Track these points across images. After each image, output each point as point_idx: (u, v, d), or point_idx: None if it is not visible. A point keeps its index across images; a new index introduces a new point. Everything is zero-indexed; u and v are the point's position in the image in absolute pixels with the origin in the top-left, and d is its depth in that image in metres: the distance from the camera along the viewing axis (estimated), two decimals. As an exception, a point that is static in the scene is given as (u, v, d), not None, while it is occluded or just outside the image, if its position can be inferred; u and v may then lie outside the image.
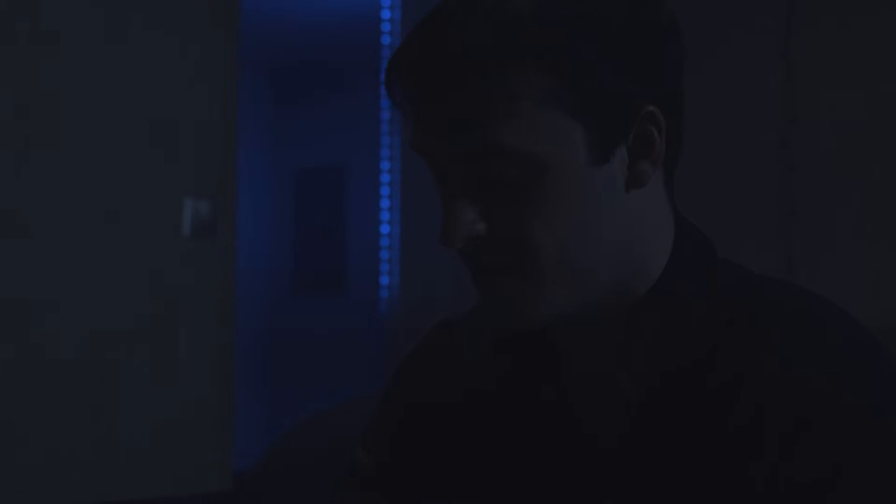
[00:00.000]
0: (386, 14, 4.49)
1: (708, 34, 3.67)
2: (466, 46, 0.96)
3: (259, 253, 6.39)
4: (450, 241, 1.00)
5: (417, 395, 1.19)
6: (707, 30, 3.67)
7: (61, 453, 3.04)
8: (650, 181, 1.03)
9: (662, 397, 1.02)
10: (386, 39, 4.49)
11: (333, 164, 6.30)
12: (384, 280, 4.47)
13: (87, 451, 3.09)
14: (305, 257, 6.45)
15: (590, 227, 1.00)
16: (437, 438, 1.15)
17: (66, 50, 3.09)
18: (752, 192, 3.65)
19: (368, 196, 5.62)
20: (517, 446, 1.10)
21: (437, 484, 1.14)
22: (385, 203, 4.47)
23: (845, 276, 3.39)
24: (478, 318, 1.19)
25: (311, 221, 6.41)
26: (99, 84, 3.14)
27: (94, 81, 3.13)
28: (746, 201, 3.66)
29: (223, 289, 3.34)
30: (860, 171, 3.39)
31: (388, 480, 1.19)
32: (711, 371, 1.00)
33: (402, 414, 1.19)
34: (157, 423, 3.20)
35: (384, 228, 4.48)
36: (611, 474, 1.04)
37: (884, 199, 3.34)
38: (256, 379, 6.32)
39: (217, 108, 3.34)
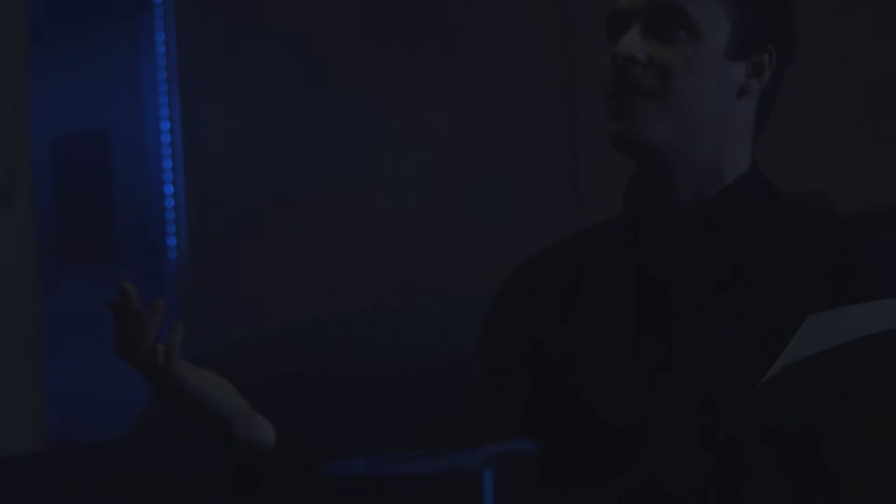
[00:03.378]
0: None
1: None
2: None
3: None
4: (625, 52, 1.42)
5: (519, 302, 1.54)
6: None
7: None
8: (752, 96, 1.48)
9: (739, 263, 1.44)
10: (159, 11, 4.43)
11: (95, 130, 6.18)
12: (171, 241, 4.45)
13: None
14: (71, 225, 6.31)
15: (709, 93, 1.45)
16: (546, 330, 1.51)
17: None
18: (537, 138, 3.80)
19: (134, 160, 5.56)
20: (617, 329, 1.46)
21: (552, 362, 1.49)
22: (168, 164, 4.44)
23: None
24: (563, 247, 1.58)
25: (75, 188, 6.28)
26: None
27: None
28: (531, 146, 3.81)
29: (25, 254, 3.29)
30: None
31: (505, 376, 1.51)
32: (777, 245, 1.45)
33: (509, 321, 1.54)
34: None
35: (168, 189, 4.45)
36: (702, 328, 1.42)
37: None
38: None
39: None
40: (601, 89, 1.47)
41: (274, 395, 1.64)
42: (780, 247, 1.44)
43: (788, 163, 2.71)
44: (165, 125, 4.47)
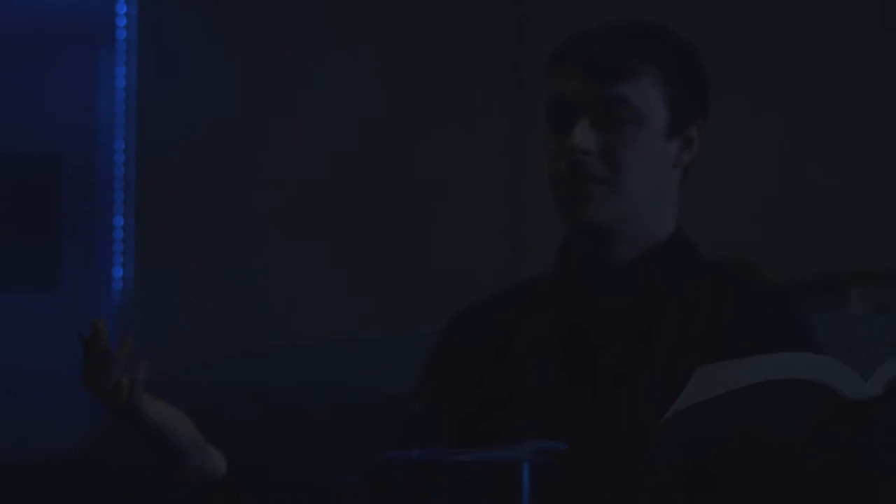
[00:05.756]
0: (122, 8, 4.52)
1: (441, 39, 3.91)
2: (624, 46, 1.62)
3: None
4: (580, 145, 1.56)
5: (459, 347, 1.67)
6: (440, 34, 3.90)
7: None
8: (683, 168, 1.65)
9: (667, 315, 1.58)
10: (121, 34, 4.51)
11: (46, 155, 6.19)
12: (118, 272, 4.50)
13: None
14: (12, 250, 6.31)
15: (652, 172, 1.61)
16: (481, 374, 1.63)
17: None
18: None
19: (86, 188, 5.59)
20: (549, 372, 1.57)
21: (484, 407, 1.60)
22: (119, 196, 4.50)
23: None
24: (501, 298, 1.71)
25: (20, 213, 6.28)
26: None
27: None
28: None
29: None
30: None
31: (442, 415, 1.61)
32: (698, 302, 1.59)
33: (449, 365, 1.66)
34: None
35: (118, 220, 4.51)
36: (626, 372, 1.55)
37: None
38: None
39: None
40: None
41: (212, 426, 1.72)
42: (700, 305, 1.57)
43: (722, 231, 2.83)
44: (119, 157, 4.53)
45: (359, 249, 4.05)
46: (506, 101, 3.89)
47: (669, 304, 1.58)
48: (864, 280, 3.10)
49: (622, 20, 1.68)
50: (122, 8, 4.53)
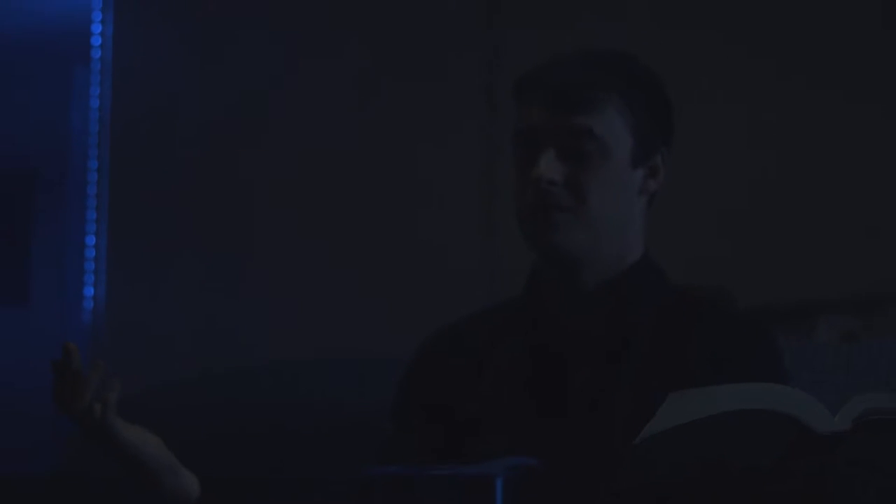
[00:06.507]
0: (97, 28, 4.53)
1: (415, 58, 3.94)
2: (588, 76, 1.64)
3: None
4: (546, 176, 1.58)
5: (432, 369, 1.70)
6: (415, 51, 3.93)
7: None
8: (649, 196, 1.68)
9: (630, 340, 1.60)
10: (96, 53, 4.52)
11: (20, 172, 6.20)
12: (89, 291, 4.50)
13: None
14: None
15: (617, 201, 1.62)
16: (452, 396, 1.65)
17: None
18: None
19: (58, 206, 5.59)
20: (519, 396, 1.59)
21: (459, 427, 1.62)
22: (92, 215, 4.50)
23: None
24: (473, 321, 1.73)
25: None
26: None
27: None
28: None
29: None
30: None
31: (414, 436, 1.63)
32: (666, 327, 1.61)
33: (421, 387, 1.69)
34: None
35: (90, 239, 4.51)
36: (595, 396, 1.57)
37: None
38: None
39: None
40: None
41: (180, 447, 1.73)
42: (668, 329, 1.59)
43: (692, 258, 2.86)
44: (93, 176, 4.54)
45: (333, 270, 4.06)
46: (477, 125, 3.91)
47: (638, 329, 1.60)
48: (831, 309, 3.14)
49: (586, 49, 1.70)
50: (97, 27, 4.54)
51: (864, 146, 3.50)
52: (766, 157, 3.56)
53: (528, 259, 1.72)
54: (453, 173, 3.94)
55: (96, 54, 4.54)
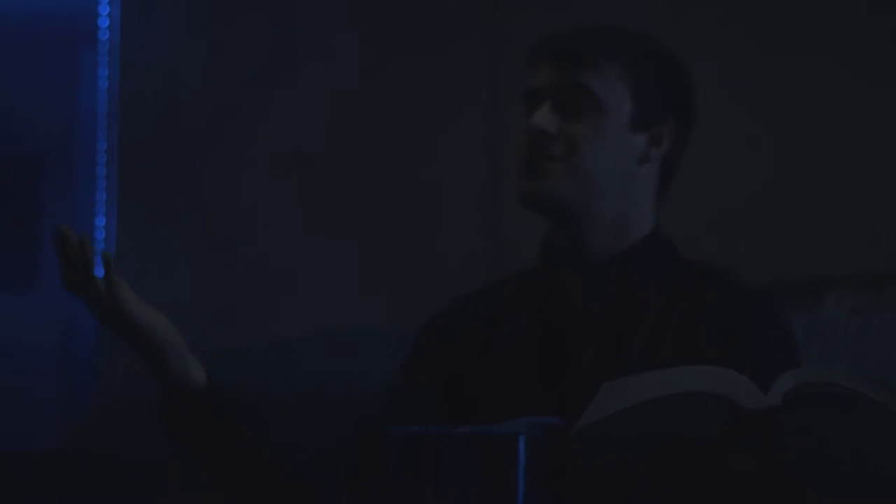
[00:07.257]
0: (104, 9, 4.53)
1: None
2: (595, 41, 1.68)
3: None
4: (538, 125, 1.62)
5: (447, 332, 1.73)
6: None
7: None
8: (651, 164, 1.69)
9: (640, 314, 1.61)
10: (104, 34, 4.52)
11: (27, 156, 6.21)
12: (99, 273, 4.50)
13: None
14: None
15: (611, 160, 1.65)
16: (463, 361, 1.69)
17: None
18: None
19: (67, 188, 5.60)
20: (525, 371, 1.63)
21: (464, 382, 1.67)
22: (101, 196, 4.51)
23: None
24: (489, 291, 1.76)
25: (0, 213, 6.29)
26: None
27: None
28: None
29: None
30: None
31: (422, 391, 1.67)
32: (675, 302, 1.63)
33: (435, 347, 1.73)
34: None
35: (100, 220, 4.52)
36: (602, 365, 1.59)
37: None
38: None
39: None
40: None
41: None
42: (677, 304, 1.60)
43: (701, 234, 2.86)
44: (101, 157, 4.55)
45: (337, 255, 4.06)
46: (484, 107, 3.91)
47: (647, 305, 1.61)
48: (839, 284, 3.14)
49: (606, 23, 1.73)
50: (104, 8, 4.54)
51: (878, 121, 3.49)
52: (775, 133, 3.56)
53: (532, 250, 1.72)
54: (456, 163, 3.94)
55: (104, 35, 4.54)
